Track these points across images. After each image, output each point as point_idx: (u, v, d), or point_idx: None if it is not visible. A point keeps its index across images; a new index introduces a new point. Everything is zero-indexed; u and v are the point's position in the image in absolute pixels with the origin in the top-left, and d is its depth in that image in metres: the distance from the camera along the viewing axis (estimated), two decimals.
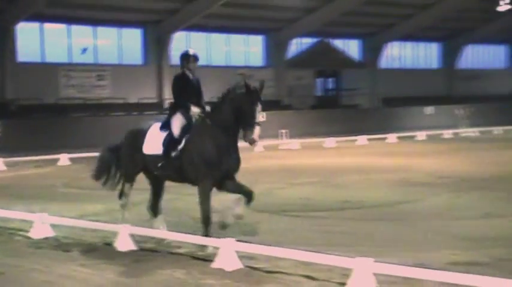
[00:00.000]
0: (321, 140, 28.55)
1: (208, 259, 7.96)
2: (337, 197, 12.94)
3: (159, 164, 8.86)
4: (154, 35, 34.86)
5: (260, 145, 26.07)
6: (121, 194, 9.66)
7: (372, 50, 43.17)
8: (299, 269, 7.45)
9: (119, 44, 34.73)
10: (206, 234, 8.47)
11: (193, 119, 8.87)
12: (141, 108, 32.64)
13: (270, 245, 8.00)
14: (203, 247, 8.44)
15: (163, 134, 8.91)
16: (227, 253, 7.70)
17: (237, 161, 8.67)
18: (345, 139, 29.28)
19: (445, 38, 46.44)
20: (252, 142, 8.37)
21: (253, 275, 7.43)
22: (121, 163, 9.59)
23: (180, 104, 8.97)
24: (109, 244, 9.03)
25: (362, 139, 29.08)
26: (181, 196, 12.10)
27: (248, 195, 8.53)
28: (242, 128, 8.42)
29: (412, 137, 31.24)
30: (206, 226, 8.54)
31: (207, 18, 34.39)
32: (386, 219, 10.66)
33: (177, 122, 8.88)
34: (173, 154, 8.72)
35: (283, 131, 30.90)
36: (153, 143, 8.98)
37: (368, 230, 9.80)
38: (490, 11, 41.76)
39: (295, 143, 27.60)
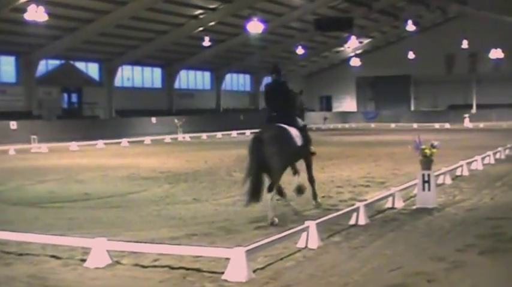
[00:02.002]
0: (67, 145, 27.42)
1: None
2: (79, 191, 12.55)
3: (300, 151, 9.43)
4: None
5: (13, 149, 24.40)
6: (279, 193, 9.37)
7: (109, 72, 42.43)
8: (46, 251, 7.12)
9: None
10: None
11: None
12: None
13: (23, 232, 7.52)
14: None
15: (296, 131, 9.24)
16: None
17: None
18: (87, 144, 28.43)
19: (165, 63, 47.26)
20: None
21: (5, 258, 6.94)
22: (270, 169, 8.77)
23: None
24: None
25: (100, 143, 28.46)
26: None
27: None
28: None
29: (141, 141, 31.33)
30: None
31: None
32: (118, 206, 10.58)
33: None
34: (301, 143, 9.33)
35: (34, 136, 29.10)
36: (298, 138, 9.23)
37: (103, 216, 9.63)
38: (197, 46, 43.54)
39: (44, 147, 26.16)
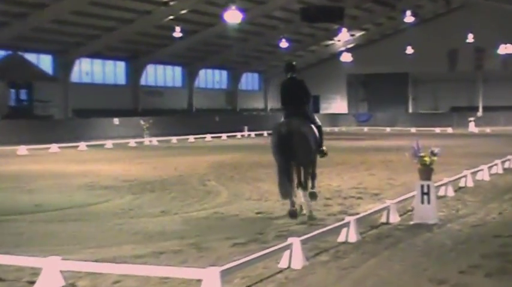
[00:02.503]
0: (14, 148, 27.10)
1: None
2: (29, 201, 12.42)
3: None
4: None
5: None
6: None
7: (64, 65, 42.16)
8: None
9: None
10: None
11: None
12: None
13: None
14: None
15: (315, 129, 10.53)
16: None
17: None
18: (38, 147, 28.16)
19: (130, 57, 47.10)
20: None
21: None
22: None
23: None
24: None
25: (54, 147, 28.21)
26: None
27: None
28: None
29: (101, 145, 31.12)
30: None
31: None
32: (75, 220, 10.49)
33: None
34: None
35: None
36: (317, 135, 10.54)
37: (57, 231, 9.54)
38: (167, 37, 43.45)
39: None
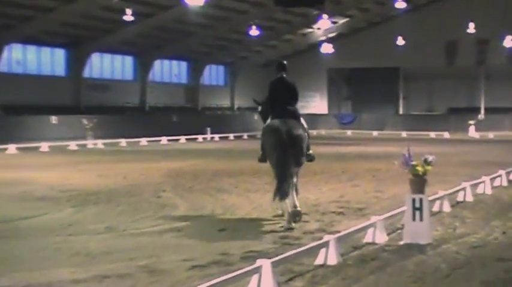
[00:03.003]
0: None
1: None
2: None
3: None
4: None
5: None
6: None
7: None
8: None
9: None
10: None
11: None
12: None
13: None
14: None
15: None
16: None
17: None
18: None
19: (71, 44, 46.71)
20: None
21: None
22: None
23: None
24: None
25: None
26: None
27: None
28: None
29: (36, 148, 30.84)
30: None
31: None
32: (4, 237, 10.35)
33: None
34: None
35: None
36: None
37: None
38: (116, 21, 43.20)
39: None
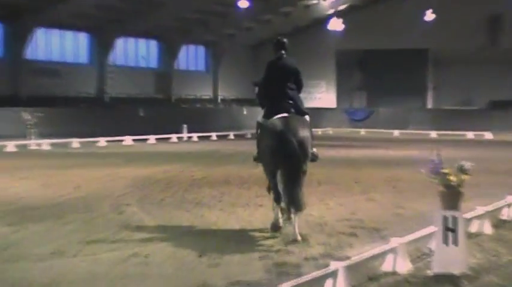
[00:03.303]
0: None
1: None
2: None
3: None
4: None
5: None
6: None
7: None
8: None
9: None
10: None
11: None
12: None
13: None
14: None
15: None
16: None
17: None
18: None
19: (8, 17, 46.66)
20: None
21: None
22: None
23: None
24: None
25: None
26: None
27: None
28: None
29: None
30: None
31: None
32: None
33: None
34: None
35: None
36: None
37: None
38: None
39: None
